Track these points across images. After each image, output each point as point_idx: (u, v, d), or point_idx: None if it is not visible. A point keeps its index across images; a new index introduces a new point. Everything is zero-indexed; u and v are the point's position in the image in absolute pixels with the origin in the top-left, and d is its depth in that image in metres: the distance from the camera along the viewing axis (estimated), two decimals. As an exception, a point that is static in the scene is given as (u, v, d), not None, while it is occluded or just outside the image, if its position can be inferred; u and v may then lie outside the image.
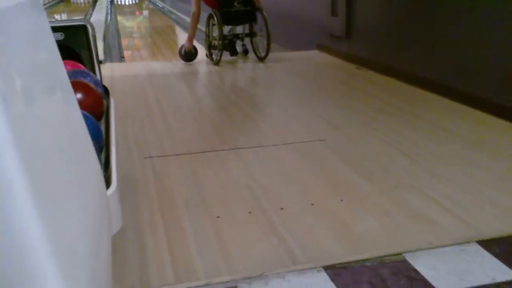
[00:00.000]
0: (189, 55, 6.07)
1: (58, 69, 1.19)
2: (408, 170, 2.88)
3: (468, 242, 2.12)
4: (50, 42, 1.18)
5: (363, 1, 5.79)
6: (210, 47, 6.22)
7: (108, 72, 5.71)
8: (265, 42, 6.05)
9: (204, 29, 6.28)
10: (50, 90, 1.06)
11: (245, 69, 6.01)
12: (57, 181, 0.85)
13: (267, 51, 6.08)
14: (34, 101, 0.86)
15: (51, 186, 0.79)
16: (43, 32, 1.15)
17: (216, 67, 5.96)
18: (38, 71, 0.99)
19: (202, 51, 6.40)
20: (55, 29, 3.07)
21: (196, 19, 6.11)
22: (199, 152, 3.24)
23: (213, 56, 6.16)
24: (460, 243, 2.12)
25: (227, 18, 5.99)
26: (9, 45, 0.81)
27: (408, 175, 2.81)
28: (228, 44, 6.24)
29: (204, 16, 6.18)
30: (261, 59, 6.17)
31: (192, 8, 6.09)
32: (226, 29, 6.32)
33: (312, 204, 2.47)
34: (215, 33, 6.06)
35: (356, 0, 5.89)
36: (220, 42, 5.93)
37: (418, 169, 2.89)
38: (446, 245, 2.10)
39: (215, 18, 5.97)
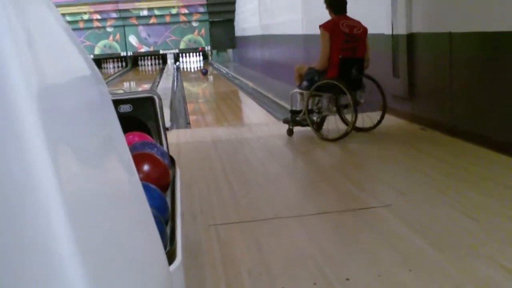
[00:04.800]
0: None
1: (119, 142, 1.21)
2: (479, 237, 2.78)
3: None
4: (110, 115, 1.20)
5: (424, 62, 5.77)
6: (312, 123, 5.43)
7: (175, 138, 5.86)
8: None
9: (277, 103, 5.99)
10: (109, 164, 1.07)
11: (304, 132, 5.99)
12: (113, 259, 0.84)
13: (382, 117, 5.49)
14: (92, 175, 0.87)
15: (107, 266, 0.78)
16: (103, 105, 1.17)
17: (279, 131, 6.00)
18: (96, 144, 1.00)
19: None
20: (124, 101, 3.20)
21: (326, 58, 5.31)
22: (263, 219, 3.24)
23: (314, 125, 5.41)
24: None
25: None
26: (66, 118, 0.83)
27: (479, 243, 2.71)
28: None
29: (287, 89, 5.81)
30: (369, 129, 5.49)
31: (323, 47, 5.30)
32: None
33: (380, 275, 2.40)
34: (322, 103, 5.40)
35: (418, 61, 5.87)
36: (334, 109, 5.38)
37: (490, 236, 2.78)
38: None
39: (337, 85, 5.16)
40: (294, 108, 5.70)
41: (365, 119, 5.43)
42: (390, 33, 6.29)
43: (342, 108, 5.46)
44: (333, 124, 5.45)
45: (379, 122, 5.53)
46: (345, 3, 5.46)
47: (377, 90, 5.50)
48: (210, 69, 20.32)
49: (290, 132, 5.63)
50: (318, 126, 5.49)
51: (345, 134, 5.18)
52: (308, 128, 5.48)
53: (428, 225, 2.98)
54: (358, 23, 5.40)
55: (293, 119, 5.58)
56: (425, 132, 5.42)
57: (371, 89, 5.48)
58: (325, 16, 5.56)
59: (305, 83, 5.47)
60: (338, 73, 5.24)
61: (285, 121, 5.76)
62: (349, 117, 5.41)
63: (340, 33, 5.26)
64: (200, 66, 22.96)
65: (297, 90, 5.67)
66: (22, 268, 0.63)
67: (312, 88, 5.30)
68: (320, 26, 5.40)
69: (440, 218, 3.08)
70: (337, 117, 5.52)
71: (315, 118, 5.47)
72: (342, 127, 5.40)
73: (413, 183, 3.79)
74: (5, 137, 0.64)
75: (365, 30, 5.40)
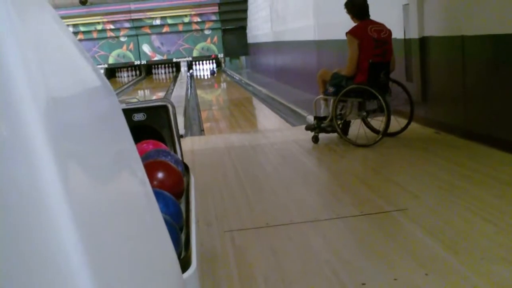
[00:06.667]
0: None
1: (130, 154, 1.20)
2: (495, 240, 2.76)
3: None
4: (121, 126, 1.19)
5: (437, 65, 5.74)
6: (343, 126, 5.42)
7: (189, 145, 5.89)
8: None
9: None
10: (120, 177, 1.06)
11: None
12: (125, 270, 0.83)
13: (410, 120, 5.47)
14: (102, 189, 0.87)
15: (118, 277, 0.77)
16: (114, 116, 1.16)
17: (293, 137, 6.00)
18: (107, 157, 0.98)
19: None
20: (138, 110, 3.22)
21: (355, 64, 5.23)
22: (278, 225, 3.25)
23: (342, 130, 5.34)
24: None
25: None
26: (76, 131, 0.82)
27: (495, 246, 2.69)
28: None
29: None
30: (395, 133, 5.43)
31: (352, 53, 5.21)
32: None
33: (395, 279, 2.40)
34: (346, 108, 5.37)
35: (431, 65, 5.85)
36: (364, 114, 5.34)
37: (506, 239, 2.76)
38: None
39: (367, 90, 5.12)
40: (317, 115, 5.61)
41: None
42: (403, 37, 6.28)
43: (370, 113, 5.39)
44: (354, 129, 5.42)
45: (406, 126, 5.46)
46: (368, 6, 5.34)
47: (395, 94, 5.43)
48: (223, 76, 20.39)
49: (315, 139, 5.51)
50: (344, 132, 5.42)
51: (379, 139, 5.13)
52: (325, 134, 5.47)
53: (444, 228, 2.97)
54: (383, 26, 5.31)
55: (319, 125, 5.50)
56: (439, 136, 5.40)
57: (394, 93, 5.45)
58: (337, 21, 5.56)
59: (331, 89, 5.38)
60: (367, 78, 5.17)
61: (308, 128, 5.66)
62: (372, 122, 5.45)
63: (370, 39, 5.17)
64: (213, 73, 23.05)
65: (320, 96, 5.61)
66: (31, 282, 0.63)
67: (340, 94, 5.22)
68: (348, 33, 5.27)
69: (456, 221, 3.07)
70: (353, 122, 5.51)
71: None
72: (364, 132, 5.40)
73: (428, 186, 3.78)
74: (12, 152, 0.63)
75: (390, 32, 5.33)
